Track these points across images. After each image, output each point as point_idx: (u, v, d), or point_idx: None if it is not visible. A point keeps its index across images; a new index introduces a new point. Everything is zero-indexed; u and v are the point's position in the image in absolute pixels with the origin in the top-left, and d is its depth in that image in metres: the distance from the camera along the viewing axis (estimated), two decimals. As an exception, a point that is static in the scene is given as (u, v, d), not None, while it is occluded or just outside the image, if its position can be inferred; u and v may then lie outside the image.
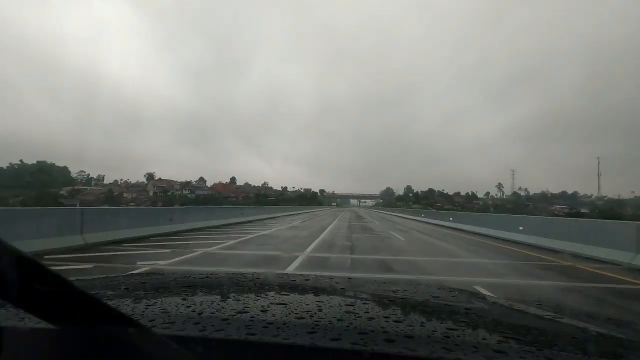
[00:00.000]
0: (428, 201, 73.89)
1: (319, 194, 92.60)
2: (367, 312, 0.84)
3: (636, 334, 0.95)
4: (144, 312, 0.75)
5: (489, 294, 4.10)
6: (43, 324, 0.58)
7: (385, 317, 0.79)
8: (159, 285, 1.21)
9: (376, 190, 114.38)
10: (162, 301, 0.90)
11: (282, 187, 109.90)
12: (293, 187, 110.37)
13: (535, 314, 1.08)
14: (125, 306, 0.80)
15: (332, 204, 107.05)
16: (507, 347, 0.61)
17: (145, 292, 1.07)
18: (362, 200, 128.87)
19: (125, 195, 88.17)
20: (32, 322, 0.63)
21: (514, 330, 0.81)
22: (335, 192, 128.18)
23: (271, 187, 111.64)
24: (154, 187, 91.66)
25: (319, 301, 0.97)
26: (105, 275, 1.33)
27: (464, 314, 0.98)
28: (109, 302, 0.78)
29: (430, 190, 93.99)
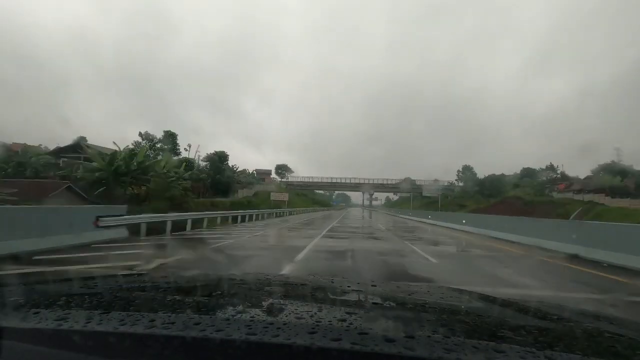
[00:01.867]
0: (460, 201, 59.35)
1: (316, 190, 78.32)
2: (368, 312, 0.90)
3: (637, 333, 0.96)
4: (144, 312, 0.77)
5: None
6: (43, 324, 0.67)
7: (386, 317, 0.85)
8: (160, 285, 1.24)
9: (376, 183, 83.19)
10: (162, 301, 0.95)
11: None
12: (286, 180, 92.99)
13: (536, 314, 1.09)
14: (126, 306, 0.84)
15: (332, 203, 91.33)
16: (507, 347, 0.63)
17: (145, 292, 1.12)
18: (366, 197, 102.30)
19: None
20: (32, 322, 0.68)
21: (514, 330, 0.83)
22: (337, 190, 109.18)
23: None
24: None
25: (319, 301, 1.03)
26: (105, 276, 1.41)
27: (464, 314, 1.03)
28: (110, 302, 0.90)
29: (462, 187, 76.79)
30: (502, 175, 66.78)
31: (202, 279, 1.41)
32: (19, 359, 0.64)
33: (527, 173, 70.31)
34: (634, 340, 0.87)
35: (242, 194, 34.18)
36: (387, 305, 1.10)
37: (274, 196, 34.44)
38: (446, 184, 74.20)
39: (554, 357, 0.60)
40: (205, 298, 1.01)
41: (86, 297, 0.97)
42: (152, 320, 0.69)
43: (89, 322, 0.68)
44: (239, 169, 42.29)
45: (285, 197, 34.44)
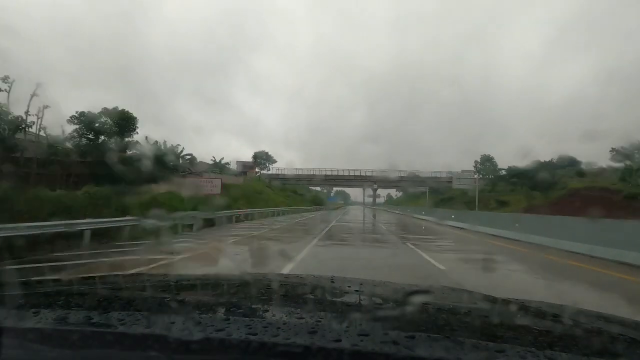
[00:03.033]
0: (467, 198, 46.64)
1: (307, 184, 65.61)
2: (368, 312, 0.92)
3: (637, 333, 0.98)
4: (144, 312, 0.78)
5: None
6: (43, 324, 0.68)
7: (386, 317, 0.86)
8: (160, 285, 1.26)
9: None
10: (162, 301, 0.96)
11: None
12: (269, 173, 78.72)
13: (536, 314, 1.10)
14: (126, 306, 0.85)
15: (327, 200, 78.70)
16: (507, 347, 0.64)
17: (145, 292, 1.14)
18: (368, 193, 78.69)
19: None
20: (32, 322, 0.69)
21: (514, 330, 0.86)
22: (336, 187, 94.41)
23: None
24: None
25: (319, 301, 1.06)
26: (106, 275, 1.43)
27: (464, 313, 1.05)
28: (110, 302, 0.91)
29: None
30: (551, 162, 53.08)
31: (201, 279, 1.42)
32: (19, 359, 0.64)
33: (567, 162, 57.22)
34: (634, 340, 0.87)
35: (168, 186, 21.06)
36: (387, 305, 1.12)
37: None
38: (473, 176, 60.23)
39: (554, 357, 0.61)
40: (205, 297, 1.03)
41: (86, 297, 0.99)
42: (152, 320, 0.70)
43: (89, 322, 0.69)
44: (183, 152, 28.90)
45: (215, 188, 18.82)
